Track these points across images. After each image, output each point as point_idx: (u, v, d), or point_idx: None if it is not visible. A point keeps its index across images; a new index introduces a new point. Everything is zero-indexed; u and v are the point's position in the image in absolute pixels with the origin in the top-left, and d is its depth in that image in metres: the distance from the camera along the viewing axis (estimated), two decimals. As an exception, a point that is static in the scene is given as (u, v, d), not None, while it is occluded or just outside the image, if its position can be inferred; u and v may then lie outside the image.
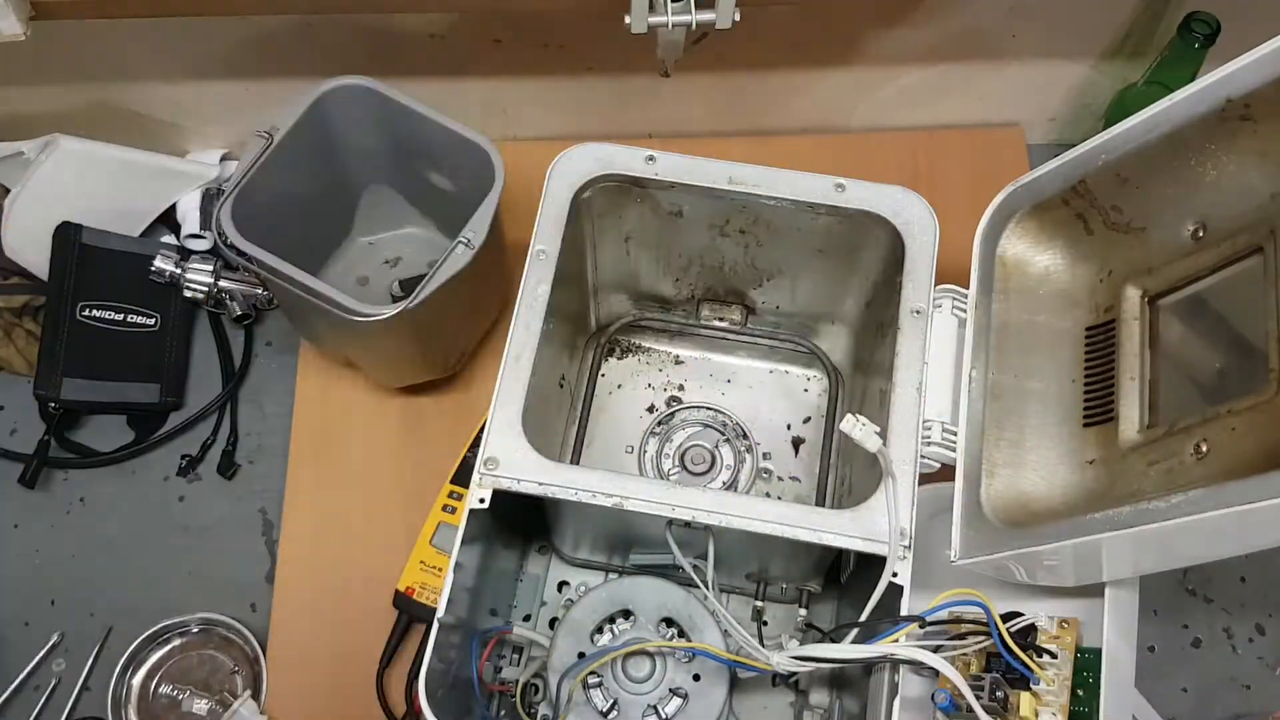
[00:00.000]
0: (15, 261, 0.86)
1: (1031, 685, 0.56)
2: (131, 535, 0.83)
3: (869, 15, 0.86)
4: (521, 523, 0.74)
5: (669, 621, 0.67)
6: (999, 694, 0.56)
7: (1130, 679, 0.58)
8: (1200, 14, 0.79)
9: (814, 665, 0.59)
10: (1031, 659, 0.56)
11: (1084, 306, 0.65)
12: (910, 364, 0.63)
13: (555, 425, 0.78)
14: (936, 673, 0.57)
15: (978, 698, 0.55)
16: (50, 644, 0.79)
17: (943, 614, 0.57)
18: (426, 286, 0.70)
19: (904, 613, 0.57)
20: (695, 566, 0.62)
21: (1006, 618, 0.59)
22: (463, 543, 0.59)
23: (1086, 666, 0.57)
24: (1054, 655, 0.58)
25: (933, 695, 0.58)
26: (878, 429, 0.59)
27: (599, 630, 0.67)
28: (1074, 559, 0.54)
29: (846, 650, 0.58)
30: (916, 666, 0.57)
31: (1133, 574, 0.57)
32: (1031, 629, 0.59)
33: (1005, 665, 0.56)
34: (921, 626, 0.57)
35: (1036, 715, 0.56)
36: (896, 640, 0.56)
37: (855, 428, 0.59)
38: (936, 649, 0.56)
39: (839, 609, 0.75)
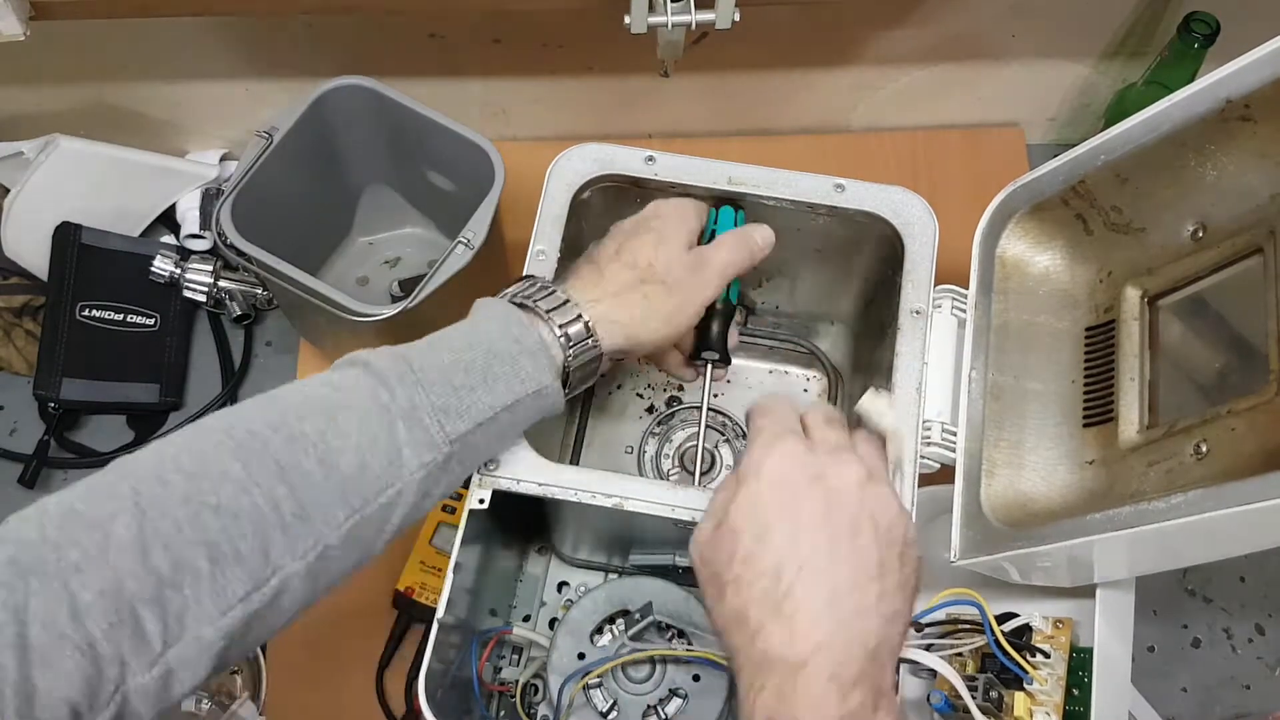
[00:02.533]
0: (15, 261, 0.86)
1: (1025, 685, 0.56)
2: (132, 535, 0.83)
3: (869, 15, 0.86)
4: (521, 523, 0.74)
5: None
6: (993, 694, 0.56)
7: (1126, 678, 0.57)
8: (1200, 14, 0.79)
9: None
10: (1025, 659, 0.56)
11: (1084, 307, 0.65)
12: (910, 364, 0.63)
13: (555, 425, 0.78)
14: (934, 674, 0.57)
15: (973, 698, 0.55)
16: (50, 643, 0.79)
17: (939, 614, 0.57)
18: (426, 286, 0.70)
19: (903, 613, 0.56)
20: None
21: (1002, 618, 0.59)
22: (462, 543, 0.59)
23: (1081, 666, 0.57)
24: (1047, 655, 0.58)
25: (928, 697, 0.58)
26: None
27: (599, 630, 0.67)
28: (1072, 560, 0.54)
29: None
30: (914, 667, 0.57)
31: (1132, 574, 0.57)
32: (1026, 629, 0.59)
33: (1000, 665, 0.56)
34: (919, 630, 0.57)
35: (1031, 715, 0.56)
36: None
37: (874, 402, 0.59)
38: (928, 648, 0.56)
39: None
